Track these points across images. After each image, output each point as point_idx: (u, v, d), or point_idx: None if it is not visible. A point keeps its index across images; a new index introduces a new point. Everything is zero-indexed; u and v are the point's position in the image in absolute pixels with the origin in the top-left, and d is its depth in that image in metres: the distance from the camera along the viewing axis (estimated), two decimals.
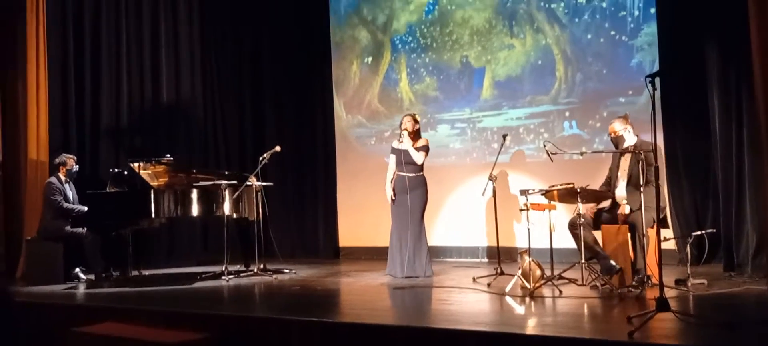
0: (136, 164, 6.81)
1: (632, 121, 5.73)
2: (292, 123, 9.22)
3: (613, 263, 5.34)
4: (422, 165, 6.55)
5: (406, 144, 6.52)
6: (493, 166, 6.47)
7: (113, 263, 6.90)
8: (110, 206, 6.68)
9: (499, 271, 6.18)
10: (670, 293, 4.72)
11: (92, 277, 6.78)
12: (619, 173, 5.64)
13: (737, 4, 5.61)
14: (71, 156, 7.14)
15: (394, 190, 6.55)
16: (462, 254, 8.02)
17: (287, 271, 7.17)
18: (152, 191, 6.59)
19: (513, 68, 7.87)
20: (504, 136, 6.69)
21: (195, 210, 6.77)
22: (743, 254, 5.98)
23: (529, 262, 5.55)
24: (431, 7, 8.44)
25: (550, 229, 5.65)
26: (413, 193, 6.46)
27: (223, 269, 6.73)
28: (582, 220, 5.34)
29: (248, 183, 6.98)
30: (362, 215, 8.60)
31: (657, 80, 4.22)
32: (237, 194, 6.87)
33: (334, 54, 9.09)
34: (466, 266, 7.33)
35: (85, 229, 6.76)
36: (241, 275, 6.95)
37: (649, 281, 5.14)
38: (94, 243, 6.77)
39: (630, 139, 5.61)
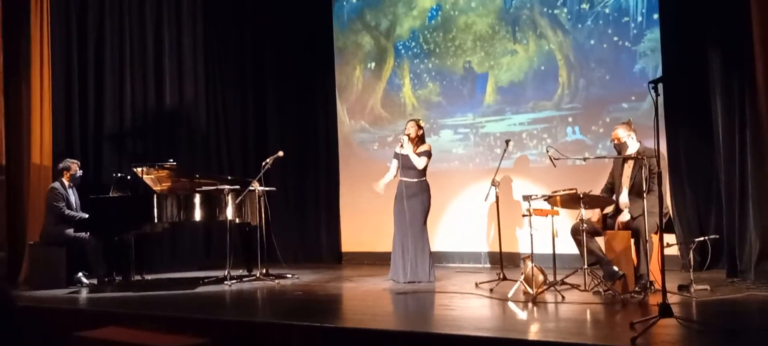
0: (139, 169, 6.83)
1: (635, 127, 5.72)
2: (295, 128, 9.23)
3: (615, 268, 5.33)
4: (424, 170, 6.54)
5: (407, 149, 6.52)
6: (495, 171, 6.47)
7: (116, 267, 6.94)
8: (113, 211, 6.69)
9: (501, 276, 6.17)
10: (673, 299, 4.72)
11: (95, 281, 6.78)
12: (622, 180, 5.63)
13: (740, 10, 5.62)
14: (75, 161, 7.16)
15: (395, 195, 6.55)
16: (464, 260, 8.00)
17: (289, 276, 7.17)
18: (155, 196, 6.61)
19: (516, 74, 7.87)
20: (507, 142, 6.70)
21: (198, 215, 6.77)
22: (746, 260, 5.95)
23: (532, 267, 5.53)
24: (434, 13, 8.44)
25: (552, 234, 5.64)
26: (414, 198, 6.45)
27: (226, 273, 6.73)
28: (584, 226, 5.34)
29: (251, 188, 6.97)
30: (365, 220, 8.59)
31: (660, 86, 4.22)
32: (240, 198, 6.87)
33: (337, 59, 9.10)
34: (469, 272, 7.31)
35: (88, 233, 6.76)
36: (244, 279, 6.96)
37: (652, 287, 5.11)
38: (96, 248, 6.76)
39: (633, 146, 5.60)
